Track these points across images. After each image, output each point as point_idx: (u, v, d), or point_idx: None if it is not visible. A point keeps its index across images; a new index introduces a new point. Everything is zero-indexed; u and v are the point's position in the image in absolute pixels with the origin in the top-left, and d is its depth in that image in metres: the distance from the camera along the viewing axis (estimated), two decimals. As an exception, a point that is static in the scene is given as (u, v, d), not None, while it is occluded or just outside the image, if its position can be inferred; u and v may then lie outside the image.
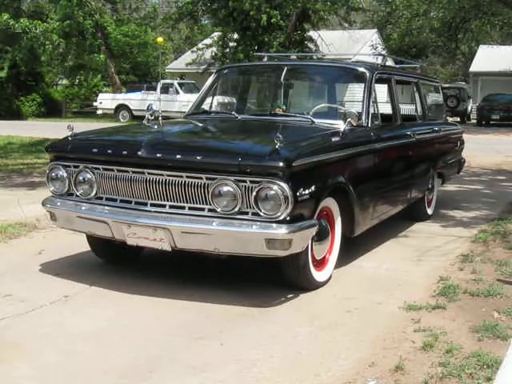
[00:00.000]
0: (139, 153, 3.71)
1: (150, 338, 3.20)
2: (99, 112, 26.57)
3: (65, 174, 4.05)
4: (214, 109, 5.43)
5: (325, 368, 2.88)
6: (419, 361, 2.94)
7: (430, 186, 6.19)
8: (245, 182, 3.48)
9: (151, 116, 4.68)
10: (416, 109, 6.19)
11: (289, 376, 2.80)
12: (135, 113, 24.24)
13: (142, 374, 2.80)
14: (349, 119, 4.31)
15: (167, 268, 4.42)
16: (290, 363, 2.93)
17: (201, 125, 4.93)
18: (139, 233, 3.72)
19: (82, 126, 9.64)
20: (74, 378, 2.76)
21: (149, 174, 3.71)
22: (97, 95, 28.50)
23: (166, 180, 3.66)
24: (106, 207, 3.89)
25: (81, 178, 3.99)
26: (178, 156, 3.66)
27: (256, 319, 3.48)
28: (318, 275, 4.00)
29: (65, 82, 33.53)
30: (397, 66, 7.19)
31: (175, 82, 24.37)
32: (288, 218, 3.47)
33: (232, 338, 3.21)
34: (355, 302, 3.78)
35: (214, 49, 22.76)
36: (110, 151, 3.91)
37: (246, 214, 3.52)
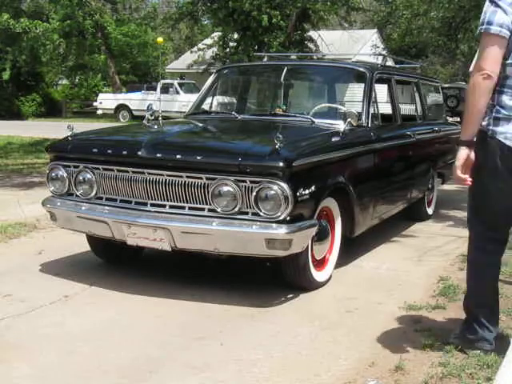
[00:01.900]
0: (139, 153, 3.71)
1: (149, 338, 3.20)
2: (99, 112, 26.57)
3: (65, 174, 4.05)
4: (214, 109, 5.43)
5: (325, 368, 2.88)
6: (419, 361, 2.94)
7: (430, 185, 6.19)
8: (245, 182, 3.48)
9: (151, 116, 4.68)
10: (416, 109, 6.19)
11: (289, 376, 2.80)
12: (135, 113, 24.25)
13: (142, 374, 2.80)
14: (349, 119, 4.30)
15: (167, 268, 4.43)
16: (290, 363, 2.93)
17: (201, 125, 4.93)
18: (139, 233, 3.72)
19: (82, 126, 9.64)
20: (74, 378, 2.76)
21: (149, 174, 3.71)
22: (97, 95, 28.51)
23: (165, 180, 3.66)
24: (106, 207, 3.89)
25: (81, 177, 3.99)
26: (178, 156, 3.66)
27: (256, 319, 3.48)
28: (318, 275, 4.00)
29: (65, 82, 33.53)
30: (397, 66, 7.19)
31: (175, 82, 24.36)
32: (288, 218, 3.47)
33: (232, 338, 3.20)
34: (355, 302, 3.78)
35: (215, 49, 22.77)
36: (110, 151, 3.91)
37: (246, 214, 3.52)
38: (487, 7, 2.64)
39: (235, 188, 3.49)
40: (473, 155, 2.75)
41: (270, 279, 4.12)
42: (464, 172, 2.77)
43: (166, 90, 23.08)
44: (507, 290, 3.96)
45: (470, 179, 2.78)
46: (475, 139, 2.74)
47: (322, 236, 3.93)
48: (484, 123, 2.73)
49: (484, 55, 2.61)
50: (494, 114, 2.71)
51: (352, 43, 23.01)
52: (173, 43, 36.64)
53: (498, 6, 2.60)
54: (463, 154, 2.73)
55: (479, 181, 2.80)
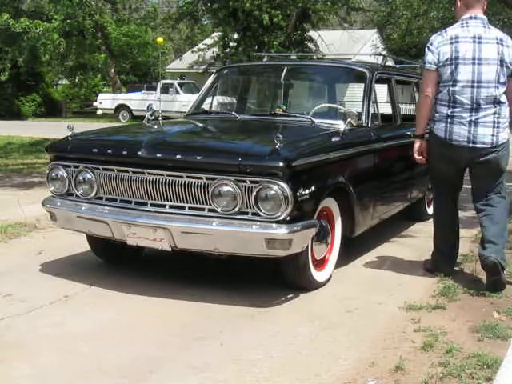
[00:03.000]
0: (139, 153, 3.71)
1: (149, 337, 3.20)
2: (99, 112, 26.60)
3: (65, 174, 4.05)
4: (214, 109, 5.43)
5: (325, 368, 2.88)
6: (419, 361, 2.94)
7: (430, 185, 6.18)
8: (245, 181, 3.48)
9: (151, 116, 4.68)
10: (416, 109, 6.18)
11: (289, 376, 2.80)
12: (135, 113, 24.27)
13: (142, 374, 2.80)
14: (349, 119, 4.30)
15: (167, 268, 4.43)
16: (290, 363, 2.93)
17: (201, 125, 4.93)
18: (139, 233, 3.72)
19: (82, 126, 9.65)
20: (74, 377, 2.76)
21: (149, 174, 3.71)
22: (97, 95, 28.53)
23: (165, 180, 3.66)
24: (106, 207, 3.89)
25: (81, 177, 3.99)
26: (178, 156, 3.66)
27: (256, 319, 3.48)
28: (318, 275, 4.00)
29: (65, 82, 33.54)
30: (397, 66, 7.18)
31: (175, 82, 24.37)
32: (288, 218, 3.46)
33: (232, 338, 3.21)
34: (355, 302, 3.78)
35: (215, 49, 22.76)
36: (110, 151, 3.91)
37: (246, 214, 3.52)
38: (425, 51, 4.10)
39: (235, 188, 3.49)
40: (424, 144, 4.23)
41: (270, 279, 4.12)
42: (420, 155, 4.26)
43: (166, 90, 23.09)
44: (507, 289, 3.96)
45: (424, 159, 4.27)
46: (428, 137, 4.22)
47: (322, 236, 3.93)
48: (430, 125, 4.15)
49: (424, 83, 4.15)
50: (433, 119, 4.11)
51: (352, 43, 23.01)
52: (173, 43, 36.61)
53: (429, 49, 4.07)
54: (417, 143, 4.25)
55: (431, 161, 4.26)
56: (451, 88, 3.96)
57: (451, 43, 3.98)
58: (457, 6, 4.11)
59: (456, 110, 3.95)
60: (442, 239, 4.32)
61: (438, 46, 4.01)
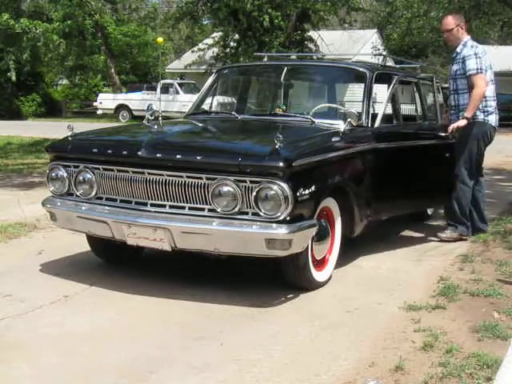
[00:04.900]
0: (139, 153, 3.71)
1: (150, 337, 3.21)
2: (99, 112, 26.59)
3: (65, 174, 4.05)
4: (214, 109, 5.43)
5: (325, 368, 2.88)
6: (419, 361, 2.94)
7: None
8: (245, 182, 3.48)
9: (151, 116, 4.67)
10: (416, 109, 6.18)
11: (289, 376, 2.80)
12: (135, 113, 24.26)
13: (142, 374, 2.80)
14: (349, 119, 4.30)
15: (167, 268, 4.43)
16: (290, 363, 2.93)
17: (201, 125, 4.93)
18: (139, 233, 3.72)
19: (82, 126, 9.64)
20: (74, 377, 2.76)
21: (149, 174, 3.71)
22: (97, 95, 28.52)
23: (166, 180, 3.66)
24: (106, 207, 3.89)
25: (81, 178, 3.99)
26: (178, 156, 3.66)
27: (256, 319, 3.48)
28: (318, 275, 4.00)
29: (65, 82, 33.53)
30: (397, 66, 7.17)
31: (175, 82, 24.37)
32: (288, 218, 3.46)
33: (232, 338, 3.21)
34: (355, 302, 3.78)
35: (215, 49, 22.76)
36: (110, 151, 3.91)
37: (246, 214, 3.52)
38: (477, 59, 5.18)
39: (235, 188, 3.49)
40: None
41: (270, 279, 4.12)
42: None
43: (166, 90, 23.07)
44: (507, 289, 3.96)
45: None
46: (474, 126, 5.30)
47: (322, 236, 3.93)
48: (481, 117, 5.29)
49: (482, 82, 5.20)
50: (485, 112, 5.29)
51: (352, 43, 22.99)
52: (173, 43, 36.61)
53: (481, 57, 5.19)
54: (465, 122, 5.22)
55: (476, 146, 5.33)
56: (492, 87, 5.37)
57: (485, 55, 5.32)
58: (458, 31, 5.35)
59: (495, 102, 5.42)
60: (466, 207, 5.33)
61: (484, 56, 5.27)
